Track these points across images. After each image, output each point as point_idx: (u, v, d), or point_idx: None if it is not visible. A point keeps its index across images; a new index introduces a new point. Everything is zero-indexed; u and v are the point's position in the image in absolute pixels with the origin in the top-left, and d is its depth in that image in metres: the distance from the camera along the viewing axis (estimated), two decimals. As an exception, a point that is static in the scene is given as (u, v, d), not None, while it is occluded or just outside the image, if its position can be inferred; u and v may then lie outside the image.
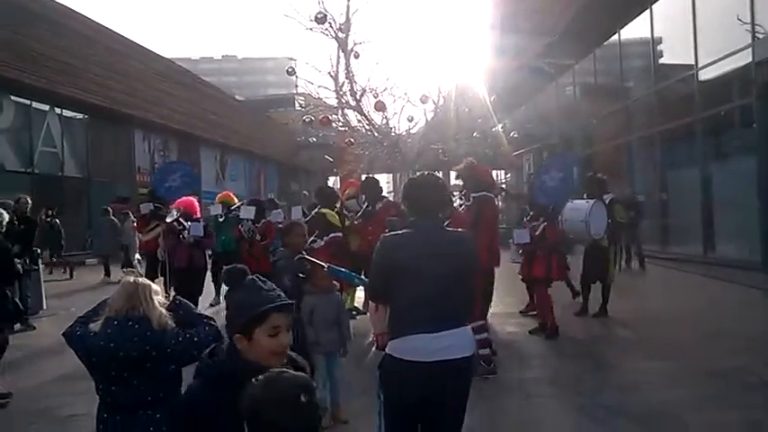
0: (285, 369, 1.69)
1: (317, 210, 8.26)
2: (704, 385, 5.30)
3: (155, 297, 2.54)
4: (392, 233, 3.26)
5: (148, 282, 2.60)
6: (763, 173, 10.65)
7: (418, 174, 3.62)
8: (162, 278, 9.41)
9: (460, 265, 2.87)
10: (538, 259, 7.44)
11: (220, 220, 9.48)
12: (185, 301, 2.75)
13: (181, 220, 8.20)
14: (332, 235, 7.61)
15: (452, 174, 8.98)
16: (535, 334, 7.39)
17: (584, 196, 8.37)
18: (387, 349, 2.87)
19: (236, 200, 10.16)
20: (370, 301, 3.56)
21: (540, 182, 8.60)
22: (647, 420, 4.54)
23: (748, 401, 4.81)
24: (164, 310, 2.54)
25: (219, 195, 10.34)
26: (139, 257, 13.14)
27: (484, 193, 6.27)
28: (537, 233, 7.43)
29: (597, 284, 8.34)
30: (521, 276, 8.16)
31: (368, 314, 8.11)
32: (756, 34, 10.88)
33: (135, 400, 2.47)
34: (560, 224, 7.90)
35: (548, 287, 7.47)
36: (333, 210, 8.26)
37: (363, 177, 10.06)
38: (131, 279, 2.59)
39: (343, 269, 4.52)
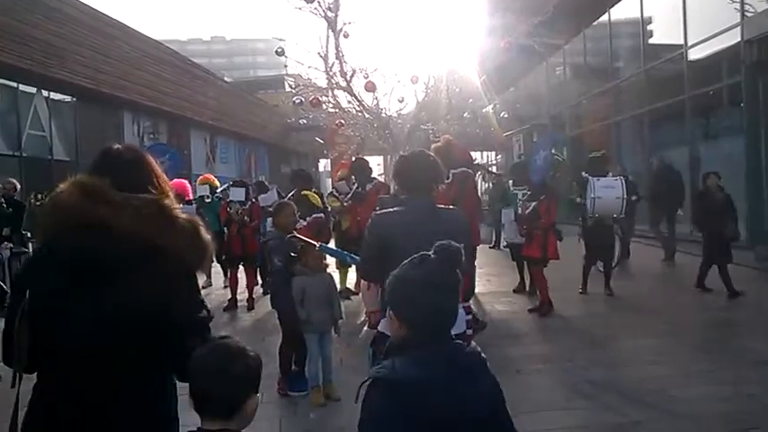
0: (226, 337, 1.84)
1: (294, 191, 8.20)
2: (693, 361, 5.41)
3: None
4: (383, 211, 3.27)
5: None
6: (751, 152, 10.74)
7: (410, 152, 3.60)
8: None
9: (456, 241, 2.83)
10: (535, 239, 7.52)
11: (207, 201, 9.46)
12: None
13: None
14: (314, 215, 7.65)
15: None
16: (534, 312, 7.48)
17: (584, 174, 8.44)
18: (379, 327, 2.89)
19: (217, 182, 10.16)
20: (362, 280, 3.51)
21: (533, 162, 8.73)
22: (636, 395, 4.63)
23: (736, 377, 4.91)
24: None
25: (201, 177, 10.26)
26: None
27: (463, 168, 6.32)
28: (527, 212, 7.52)
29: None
30: (513, 255, 8.31)
31: (359, 295, 8.21)
32: (745, 13, 10.90)
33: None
34: (592, 201, 8.00)
35: (544, 266, 7.56)
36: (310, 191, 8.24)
37: (353, 159, 10.05)
38: None
39: (336, 249, 4.57)
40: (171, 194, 1.94)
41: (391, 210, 3.11)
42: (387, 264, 2.82)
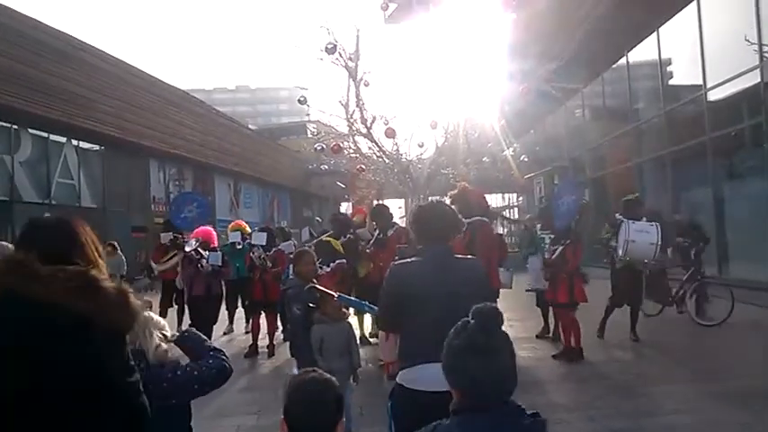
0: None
1: (323, 236, 8.32)
2: (719, 411, 5.25)
3: (153, 331, 2.48)
4: (401, 261, 3.25)
5: (150, 316, 2.54)
6: (775, 193, 10.61)
7: (427, 201, 3.63)
8: (176, 307, 9.53)
9: (471, 292, 2.70)
10: (562, 283, 7.45)
11: (238, 247, 9.58)
12: (195, 332, 2.71)
13: (199, 249, 8.32)
14: (337, 261, 7.67)
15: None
16: (559, 359, 7.37)
17: (618, 216, 8.40)
18: (397, 378, 2.84)
19: (248, 228, 10.29)
20: (380, 330, 3.44)
21: (557, 206, 8.72)
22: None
23: (759, 425, 4.76)
24: (162, 344, 2.49)
25: (233, 224, 10.48)
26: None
27: (478, 217, 6.32)
28: (554, 256, 7.46)
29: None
30: (538, 301, 8.23)
31: (372, 343, 8.17)
32: (764, 54, 10.91)
33: None
34: (625, 244, 7.97)
35: (574, 310, 7.48)
36: (340, 237, 8.31)
37: (374, 204, 10.12)
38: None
39: (353, 298, 4.57)
40: (101, 263, 1.96)
41: (409, 260, 3.10)
42: (404, 314, 2.85)
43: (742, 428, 4.75)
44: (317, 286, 4.63)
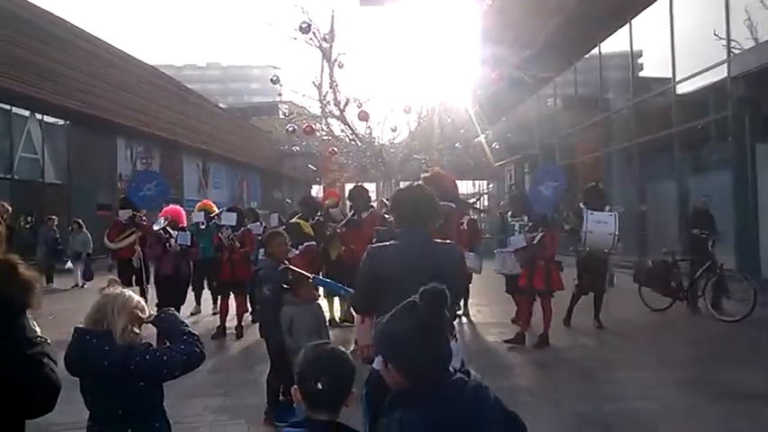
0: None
1: (292, 219, 8.28)
2: (680, 395, 5.40)
3: (123, 311, 2.43)
4: (378, 244, 3.24)
5: (123, 294, 2.50)
6: (738, 185, 10.87)
7: (406, 184, 3.62)
8: (137, 287, 9.33)
9: (446, 277, 2.61)
10: (538, 270, 7.53)
11: (202, 227, 9.44)
12: (173, 314, 2.65)
13: (168, 228, 8.20)
14: (306, 244, 7.65)
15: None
16: (511, 343, 7.46)
17: (582, 205, 8.51)
18: (374, 364, 2.79)
19: (215, 208, 10.16)
20: (355, 313, 3.44)
21: (536, 192, 8.77)
22: (621, 429, 4.62)
23: (722, 411, 4.91)
24: (130, 326, 2.44)
25: (199, 204, 10.30)
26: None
27: (446, 203, 6.35)
28: (535, 242, 7.52)
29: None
30: (508, 287, 8.29)
31: (342, 326, 8.17)
32: (732, 50, 11.12)
33: (107, 413, 2.44)
34: (584, 235, 8.09)
35: (551, 297, 7.58)
36: (309, 219, 8.28)
37: (352, 186, 10.05)
38: (105, 291, 2.52)
39: (328, 280, 4.57)
40: None
41: (386, 243, 3.10)
42: (380, 298, 2.80)
43: (705, 414, 4.89)
44: (292, 267, 4.62)
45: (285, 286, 4.62)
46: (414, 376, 1.82)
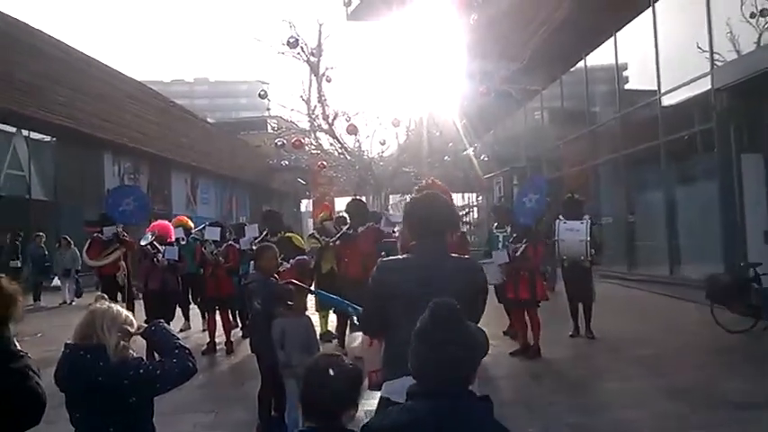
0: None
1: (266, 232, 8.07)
2: (669, 405, 5.40)
3: (113, 326, 2.41)
4: (389, 258, 3.00)
5: (112, 309, 2.48)
6: (724, 195, 10.96)
7: (422, 193, 3.31)
8: (124, 304, 9.22)
9: (464, 295, 2.41)
10: (522, 281, 7.53)
11: (182, 243, 9.33)
12: (164, 326, 2.62)
13: (155, 243, 8.15)
14: (298, 257, 7.59)
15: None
16: (516, 356, 7.46)
17: (560, 217, 8.56)
18: (382, 391, 2.61)
19: (191, 223, 10.09)
20: (363, 334, 3.10)
21: (520, 204, 8.81)
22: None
23: (711, 421, 4.93)
24: (122, 341, 2.42)
25: (175, 220, 10.13)
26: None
27: None
28: (518, 254, 7.54)
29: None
30: (499, 297, 8.27)
31: (335, 342, 8.10)
32: (715, 62, 11.27)
33: (98, 430, 2.40)
34: (556, 244, 8.18)
35: (537, 307, 7.58)
36: (276, 235, 8.05)
37: (349, 200, 9.97)
38: (93, 307, 2.50)
39: (335, 297, 4.51)
40: None
41: (398, 257, 2.90)
42: (391, 318, 2.57)
43: (694, 425, 4.90)
44: (296, 282, 4.61)
45: (290, 303, 4.60)
46: (417, 379, 1.88)
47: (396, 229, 8.08)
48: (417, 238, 2.76)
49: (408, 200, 3.21)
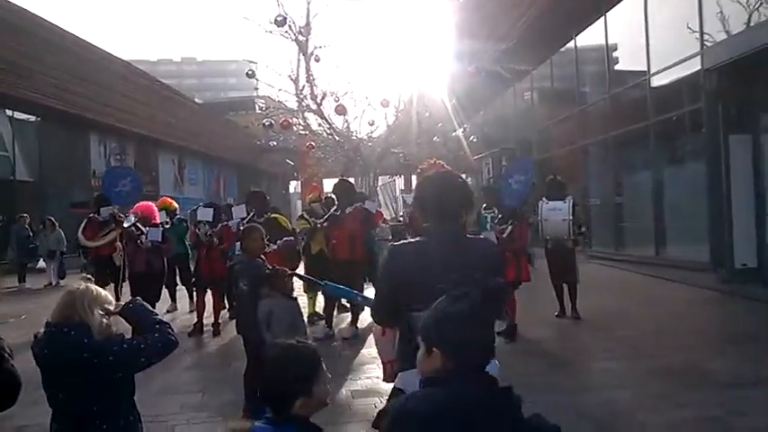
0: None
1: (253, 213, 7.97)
2: (656, 384, 5.43)
3: (94, 305, 2.43)
4: (402, 242, 2.85)
5: (91, 289, 2.49)
6: (712, 176, 11.00)
7: (434, 172, 3.13)
8: (113, 284, 9.17)
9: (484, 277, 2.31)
10: (508, 263, 7.53)
11: (166, 225, 9.21)
12: (141, 303, 2.63)
13: (138, 224, 8.08)
14: (285, 239, 7.53)
15: (413, 177, 9.03)
16: (501, 336, 7.47)
17: (544, 198, 8.57)
18: (396, 382, 2.49)
19: (175, 204, 10.05)
20: (375, 323, 2.94)
21: (506, 185, 8.79)
22: (597, 419, 4.64)
23: (697, 399, 4.96)
24: (104, 319, 2.44)
25: (158, 202, 9.99)
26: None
27: None
28: (505, 235, 7.54)
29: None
30: None
31: (322, 323, 8.08)
32: (705, 42, 11.24)
33: (81, 410, 2.40)
34: (540, 224, 8.23)
35: (515, 289, 7.59)
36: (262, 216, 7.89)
37: (336, 180, 9.88)
38: (73, 287, 2.50)
39: (341, 286, 4.47)
40: None
41: (411, 240, 2.75)
42: (406, 303, 2.39)
43: (681, 404, 4.93)
44: (296, 273, 4.59)
45: (262, 279, 4.58)
46: (458, 361, 1.70)
47: (401, 212, 8.06)
48: (430, 221, 2.61)
49: (422, 179, 3.02)
